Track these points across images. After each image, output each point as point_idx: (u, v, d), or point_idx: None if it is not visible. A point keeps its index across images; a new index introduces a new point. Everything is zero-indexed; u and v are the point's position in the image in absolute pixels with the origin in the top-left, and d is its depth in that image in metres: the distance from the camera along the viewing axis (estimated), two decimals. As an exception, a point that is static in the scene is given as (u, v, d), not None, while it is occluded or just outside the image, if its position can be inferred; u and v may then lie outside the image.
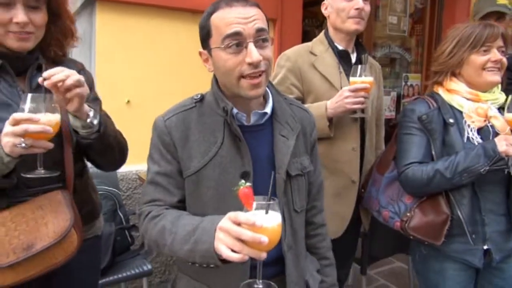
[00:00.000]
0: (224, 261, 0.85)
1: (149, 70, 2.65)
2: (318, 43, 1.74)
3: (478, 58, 1.35)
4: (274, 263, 1.03)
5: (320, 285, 1.17)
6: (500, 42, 1.36)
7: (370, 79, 1.53)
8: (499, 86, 1.43)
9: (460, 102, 1.39)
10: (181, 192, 1.04)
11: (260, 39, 0.96)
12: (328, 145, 1.62)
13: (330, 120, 1.58)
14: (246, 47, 0.95)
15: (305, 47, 1.74)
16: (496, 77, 1.36)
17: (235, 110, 1.01)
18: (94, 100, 1.31)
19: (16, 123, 0.98)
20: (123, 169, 2.58)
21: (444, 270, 1.42)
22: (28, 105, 1.00)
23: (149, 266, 2.06)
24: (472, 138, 1.36)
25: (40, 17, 1.13)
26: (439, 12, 4.24)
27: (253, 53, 0.94)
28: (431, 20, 4.35)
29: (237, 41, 0.94)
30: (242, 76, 0.97)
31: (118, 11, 2.52)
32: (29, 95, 1.01)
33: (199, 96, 1.07)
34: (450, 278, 1.41)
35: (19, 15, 1.08)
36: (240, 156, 1.00)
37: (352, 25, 1.65)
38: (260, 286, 0.88)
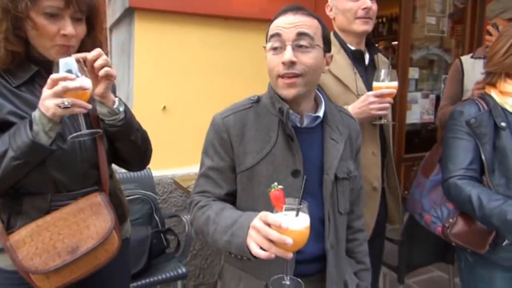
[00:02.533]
0: (256, 256, 0.90)
1: (184, 77, 2.72)
2: None
3: None
4: (317, 260, 1.09)
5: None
6: None
7: (395, 84, 1.49)
8: None
9: None
10: (229, 186, 1.10)
11: (299, 44, 1.01)
12: None
13: None
14: (285, 49, 1.01)
15: None
16: None
17: (290, 111, 1.06)
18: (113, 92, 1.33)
19: (55, 83, 1.01)
20: (159, 173, 2.67)
21: (493, 279, 1.36)
22: (62, 68, 1.03)
23: (184, 270, 2.10)
24: None
25: (82, 29, 1.16)
26: (481, 12, 4.06)
27: (286, 53, 1.00)
28: (472, 20, 4.18)
29: (277, 42, 1.02)
30: (280, 76, 1.04)
31: (156, 19, 2.60)
32: (61, 60, 1.03)
33: (255, 97, 1.13)
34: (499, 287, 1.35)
35: (68, 27, 1.10)
36: (292, 155, 1.06)
37: (360, 26, 1.60)
38: (288, 282, 0.94)
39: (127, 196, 2.16)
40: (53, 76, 1.02)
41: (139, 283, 1.99)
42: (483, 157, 1.33)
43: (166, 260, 2.17)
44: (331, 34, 1.71)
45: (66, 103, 1.01)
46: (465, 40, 4.26)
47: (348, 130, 1.16)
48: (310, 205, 1.04)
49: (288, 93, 1.04)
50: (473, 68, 2.12)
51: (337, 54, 1.66)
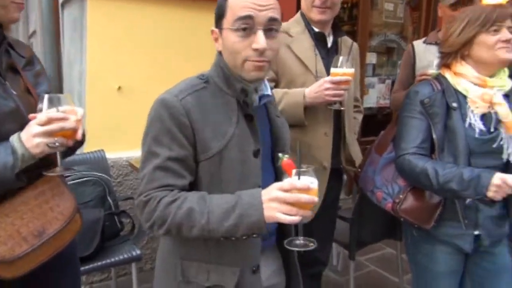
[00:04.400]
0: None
1: (140, 56, 2.65)
2: (295, 24, 1.70)
3: (488, 38, 1.31)
4: (275, 232, 1.15)
5: None
6: (510, 23, 1.33)
7: (351, 71, 1.50)
8: (506, 71, 1.39)
9: (465, 87, 1.36)
10: (191, 176, 1.01)
11: (270, 28, 0.98)
12: (300, 130, 1.60)
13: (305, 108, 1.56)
14: (255, 33, 0.97)
15: (282, 27, 1.72)
16: (509, 55, 1.32)
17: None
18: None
19: (50, 121, 0.99)
20: (114, 156, 2.61)
21: (434, 253, 1.43)
22: (46, 105, 1.03)
23: (138, 252, 2.08)
24: (474, 124, 1.34)
25: None
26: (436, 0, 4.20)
27: (260, 39, 0.96)
28: (428, 7, 4.32)
29: (248, 25, 0.97)
30: (247, 60, 0.99)
31: (109, -4, 2.50)
32: (46, 96, 1.03)
33: (205, 76, 1.07)
34: (439, 261, 1.42)
35: None
36: (252, 135, 1.05)
37: (317, 15, 1.61)
38: (302, 241, 1.00)
39: (79, 178, 2.11)
40: (51, 115, 0.99)
41: (91, 265, 1.95)
42: (434, 136, 1.37)
43: (120, 243, 2.14)
44: (298, 13, 1.71)
45: (57, 144, 1.00)
46: (421, 27, 4.40)
47: None
48: (267, 180, 1.05)
49: (258, 75, 1.01)
50: (424, 54, 2.18)
51: (302, 34, 1.66)
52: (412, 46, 2.24)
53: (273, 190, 0.91)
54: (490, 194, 1.23)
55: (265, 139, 1.10)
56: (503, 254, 1.46)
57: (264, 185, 0.97)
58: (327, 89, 1.48)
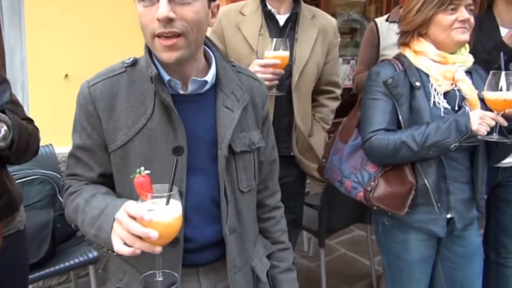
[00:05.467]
0: None
1: (90, 40, 2.43)
2: (251, 2, 1.60)
3: (445, 18, 1.28)
4: (214, 246, 0.96)
5: (273, 270, 1.10)
6: (468, 0, 1.29)
7: (283, 54, 1.40)
8: (467, 47, 1.36)
9: (427, 65, 1.33)
10: (102, 168, 0.95)
11: None
12: None
13: None
14: (158, 1, 0.80)
15: (238, 5, 1.60)
16: (465, 36, 1.29)
17: (166, 77, 0.90)
18: (2, 83, 1.18)
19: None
20: (65, 150, 2.41)
21: (407, 240, 1.39)
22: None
23: (95, 253, 1.93)
24: (438, 103, 1.31)
25: None
26: (397, -23, 4.17)
27: (160, 7, 0.80)
28: (390, -15, 4.29)
29: None
30: (156, 35, 0.83)
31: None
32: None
33: (131, 59, 0.94)
34: (412, 249, 1.39)
35: None
36: (173, 129, 0.89)
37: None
38: (161, 278, 0.83)
39: (23, 178, 1.92)
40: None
41: (45, 271, 1.80)
42: (400, 117, 1.32)
43: (75, 245, 1.99)
44: None
45: None
46: (383, 7, 4.37)
47: (249, 94, 0.99)
48: (202, 185, 0.93)
49: (169, 57, 0.84)
50: (388, 32, 2.12)
51: (254, 13, 1.56)
52: (375, 24, 2.15)
53: (122, 209, 0.77)
54: (475, 126, 1.20)
55: (202, 135, 0.93)
56: (473, 236, 1.45)
57: (198, 190, 0.91)
58: (256, 72, 1.35)
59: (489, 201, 1.86)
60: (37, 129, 1.29)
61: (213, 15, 0.93)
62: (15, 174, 1.92)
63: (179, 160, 0.85)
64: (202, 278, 0.97)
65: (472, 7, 1.31)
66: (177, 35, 0.83)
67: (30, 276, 1.75)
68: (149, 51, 0.92)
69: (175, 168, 0.79)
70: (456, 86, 1.32)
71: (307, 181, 1.87)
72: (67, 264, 1.86)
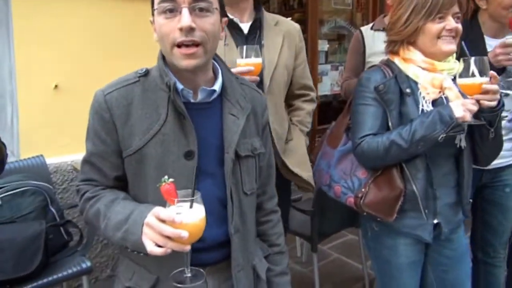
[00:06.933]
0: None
1: (79, 50, 2.43)
2: None
3: (433, 27, 1.29)
4: (221, 246, 1.02)
5: (268, 273, 1.15)
6: (456, 8, 1.31)
7: (255, 60, 1.42)
8: (454, 55, 1.38)
9: (415, 72, 1.34)
10: (116, 173, 1.00)
11: (197, 6, 0.91)
12: None
13: None
14: (181, 13, 0.90)
15: None
16: (451, 46, 1.31)
17: (180, 86, 0.96)
18: None
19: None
20: (56, 161, 2.41)
21: (396, 245, 1.40)
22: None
23: (88, 264, 1.92)
24: (426, 110, 1.32)
25: None
26: (382, -15, 4.25)
27: (183, 17, 0.89)
28: (375, -7, 4.37)
29: (171, 4, 0.90)
30: (175, 45, 0.92)
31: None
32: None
33: (143, 70, 1.01)
34: (401, 253, 1.40)
35: None
36: (184, 135, 0.96)
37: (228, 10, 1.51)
38: (189, 274, 0.91)
39: (15, 189, 1.91)
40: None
41: (37, 283, 1.78)
42: (390, 123, 1.33)
43: (68, 255, 1.97)
44: None
45: None
46: (369, 14, 4.45)
47: (251, 104, 1.07)
48: (210, 187, 0.99)
49: (189, 64, 0.92)
50: (373, 40, 2.17)
51: None
52: (361, 32, 2.21)
53: (151, 214, 0.86)
54: (461, 113, 1.22)
55: (210, 140, 1.00)
56: (461, 238, 1.47)
57: (207, 192, 0.94)
58: None
59: (475, 202, 1.89)
60: (3, 144, 1.31)
61: (222, 29, 1.01)
62: (5, 186, 1.91)
63: (189, 163, 0.95)
64: (208, 278, 1.02)
65: (459, 14, 1.33)
66: (197, 45, 0.91)
67: (24, 288, 1.74)
68: (164, 62, 0.98)
69: (196, 176, 0.89)
70: (444, 94, 1.33)
71: (295, 189, 1.90)
72: (60, 275, 1.84)
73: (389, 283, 1.47)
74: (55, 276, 1.83)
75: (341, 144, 1.47)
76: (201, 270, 0.92)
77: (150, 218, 0.84)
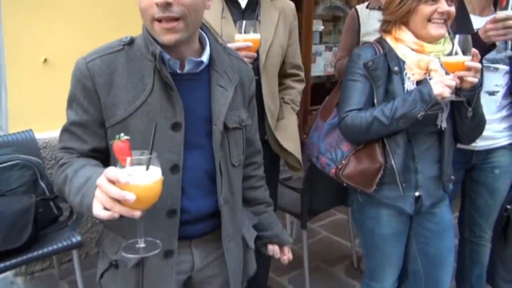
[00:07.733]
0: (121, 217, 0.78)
1: (69, 23, 2.38)
2: None
3: (425, 8, 1.30)
4: (210, 217, 1.02)
5: (260, 216, 1.20)
6: None
7: (254, 36, 1.40)
8: (447, 37, 1.38)
9: (404, 52, 1.36)
10: (96, 143, 0.97)
11: None
12: None
13: None
14: None
15: None
16: (440, 31, 1.32)
17: (166, 56, 0.93)
18: None
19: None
20: (46, 136, 2.38)
21: (379, 216, 1.45)
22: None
23: (78, 238, 1.93)
24: (410, 90, 1.34)
25: None
26: (379, -36, 4.17)
27: None
28: (371, -28, 4.29)
29: None
30: (155, 19, 0.88)
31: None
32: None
33: (128, 38, 0.97)
34: (384, 224, 1.45)
35: None
36: (171, 106, 0.93)
37: None
38: (143, 245, 0.84)
39: (3, 163, 1.89)
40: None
41: (25, 257, 1.79)
42: (375, 99, 1.36)
43: (58, 230, 1.97)
44: None
45: None
46: (365, -7, 4.39)
47: (238, 75, 1.05)
48: (197, 159, 0.98)
49: (169, 39, 0.89)
50: (368, 19, 2.14)
51: None
52: (356, 11, 2.18)
53: (102, 175, 0.77)
54: (439, 90, 1.24)
55: (198, 112, 0.98)
56: (445, 213, 1.51)
57: (194, 164, 0.94)
58: None
59: (465, 183, 1.93)
60: None
61: None
62: (-5, 159, 1.90)
63: (176, 135, 0.92)
64: (194, 249, 1.03)
65: None
66: (176, 19, 0.87)
67: (13, 261, 1.75)
68: (148, 31, 0.95)
69: (154, 133, 0.83)
70: (429, 76, 1.35)
71: (286, 168, 1.92)
72: (50, 248, 1.85)
73: (372, 252, 1.52)
74: (45, 250, 1.84)
75: (331, 117, 1.51)
76: (157, 241, 0.87)
77: (100, 179, 0.77)
